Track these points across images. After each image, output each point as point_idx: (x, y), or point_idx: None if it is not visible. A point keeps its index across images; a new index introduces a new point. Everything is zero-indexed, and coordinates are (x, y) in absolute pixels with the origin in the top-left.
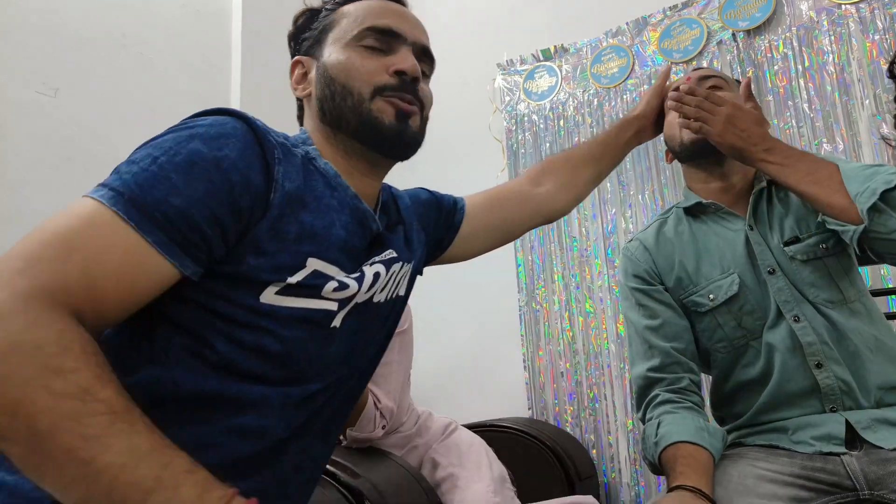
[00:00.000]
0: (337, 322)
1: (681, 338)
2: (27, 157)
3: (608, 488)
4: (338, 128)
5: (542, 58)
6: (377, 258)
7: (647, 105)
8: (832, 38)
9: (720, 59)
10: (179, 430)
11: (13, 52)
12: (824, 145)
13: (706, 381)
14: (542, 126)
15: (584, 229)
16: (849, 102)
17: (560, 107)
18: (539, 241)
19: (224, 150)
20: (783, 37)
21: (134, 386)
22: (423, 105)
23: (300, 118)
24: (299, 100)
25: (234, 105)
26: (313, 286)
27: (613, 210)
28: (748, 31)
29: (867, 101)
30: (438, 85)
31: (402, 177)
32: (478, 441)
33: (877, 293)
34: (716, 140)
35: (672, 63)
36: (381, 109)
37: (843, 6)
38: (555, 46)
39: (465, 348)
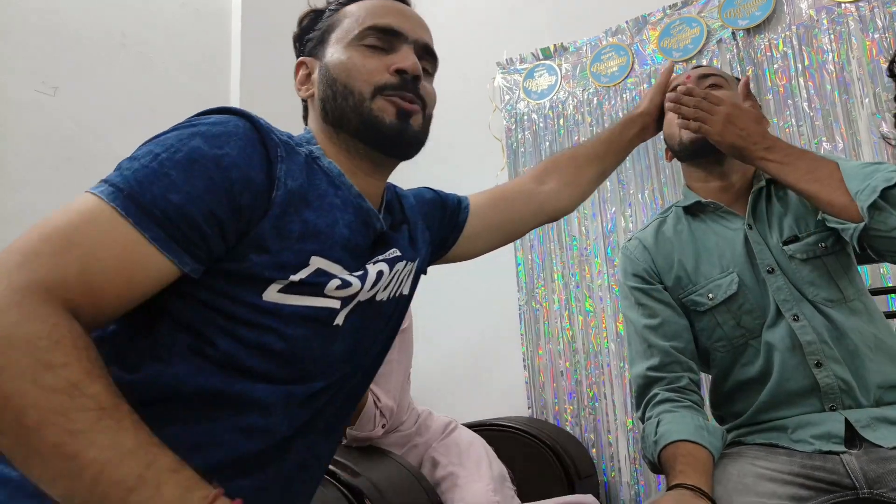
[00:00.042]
0: (340, 320)
1: (680, 337)
2: (27, 156)
3: (608, 487)
4: (340, 128)
5: (541, 56)
6: (381, 257)
7: (651, 102)
8: (832, 36)
9: (720, 58)
10: (183, 428)
11: (13, 52)
12: (824, 144)
13: (706, 380)
14: (541, 125)
15: (583, 228)
16: (848, 101)
17: (560, 105)
18: (539, 240)
19: (225, 148)
20: (783, 35)
21: (137, 382)
22: (424, 104)
23: (305, 118)
24: (304, 100)
25: (234, 104)
26: (316, 284)
27: (613, 209)
28: (748, 30)
29: (867, 100)
30: (438, 84)
31: (402, 175)
32: (478, 440)
33: (876, 292)
34: (715, 139)
35: (672, 61)
36: (381, 109)
37: (843, 5)
38: (554, 45)
39: (465, 347)
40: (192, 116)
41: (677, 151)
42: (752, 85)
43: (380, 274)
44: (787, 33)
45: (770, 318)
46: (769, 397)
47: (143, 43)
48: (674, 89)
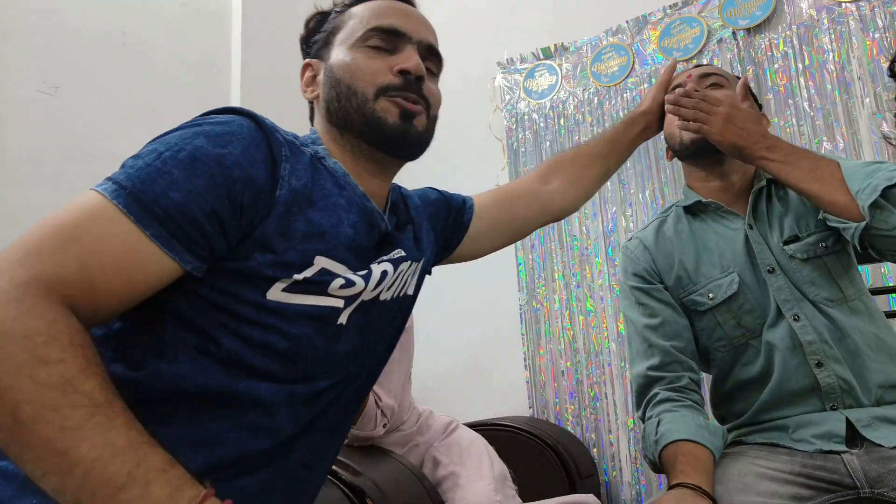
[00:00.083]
0: (343, 319)
1: (680, 336)
2: (28, 155)
3: (609, 487)
4: (344, 129)
5: (542, 56)
6: (385, 257)
7: (653, 101)
8: (832, 36)
9: (720, 58)
10: (187, 426)
11: (13, 51)
12: (824, 144)
13: (706, 379)
14: (542, 125)
15: (584, 228)
16: (849, 101)
17: (560, 105)
18: (539, 240)
19: (228, 147)
20: (783, 35)
21: (141, 380)
22: (429, 104)
23: (312, 120)
24: (310, 102)
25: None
26: (320, 283)
27: (614, 209)
28: (748, 30)
29: (867, 100)
30: (439, 84)
31: (402, 175)
32: (479, 439)
33: (877, 291)
34: (716, 139)
35: (675, 60)
36: (385, 109)
37: (844, 4)
38: (555, 45)
39: (466, 347)
40: (198, 116)
41: (678, 151)
42: (752, 85)
43: (384, 274)
44: (788, 33)
45: (771, 318)
46: (770, 397)
47: (144, 42)
48: (674, 89)
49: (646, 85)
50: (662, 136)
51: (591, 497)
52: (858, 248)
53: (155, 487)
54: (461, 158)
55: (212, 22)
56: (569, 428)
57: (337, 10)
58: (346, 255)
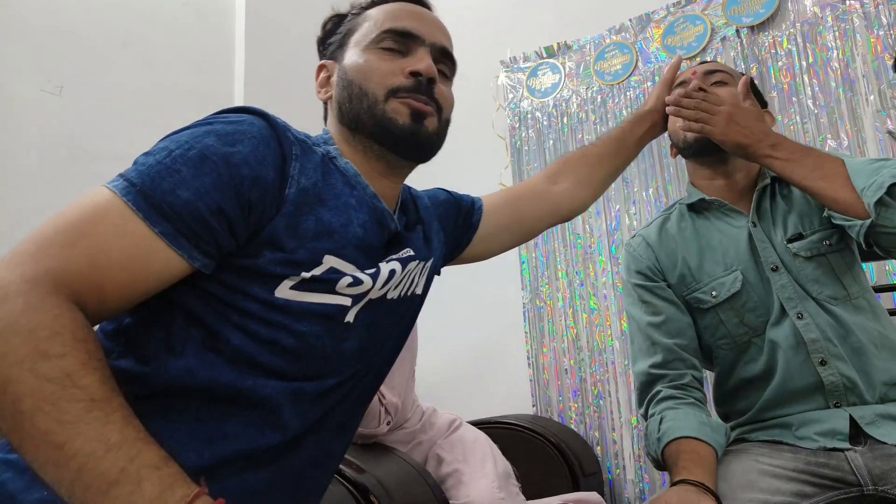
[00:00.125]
0: (350, 317)
1: (683, 334)
2: (32, 155)
3: (612, 485)
4: (356, 129)
5: (545, 55)
6: (394, 256)
7: (657, 100)
8: (836, 33)
9: (724, 56)
10: (194, 421)
11: (17, 51)
12: (829, 141)
13: (709, 377)
14: (545, 123)
15: (587, 226)
16: (853, 98)
17: (563, 104)
18: (543, 238)
19: (237, 146)
20: (787, 33)
21: (150, 375)
22: (440, 107)
23: (325, 120)
24: (324, 103)
25: (237, 104)
26: (328, 281)
27: (617, 207)
28: (752, 28)
29: (872, 97)
30: None
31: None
32: (482, 437)
33: (881, 289)
34: (719, 139)
35: (680, 57)
36: (395, 110)
37: (848, 1)
38: (558, 43)
39: (470, 345)
40: (211, 114)
41: (682, 149)
42: (756, 83)
43: (392, 272)
44: (792, 30)
45: (774, 316)
46: (773, 395)
47: (146, 42)
48: (680, 84)
49: (649, 83)
50: (667, 134)
51: (594, 495)
52: (864, 246)
53: (146, 484)
54: (464, 157)
55: (214, 21)
56: (572, 426)
57: (353, 12)
58: (355, 255)
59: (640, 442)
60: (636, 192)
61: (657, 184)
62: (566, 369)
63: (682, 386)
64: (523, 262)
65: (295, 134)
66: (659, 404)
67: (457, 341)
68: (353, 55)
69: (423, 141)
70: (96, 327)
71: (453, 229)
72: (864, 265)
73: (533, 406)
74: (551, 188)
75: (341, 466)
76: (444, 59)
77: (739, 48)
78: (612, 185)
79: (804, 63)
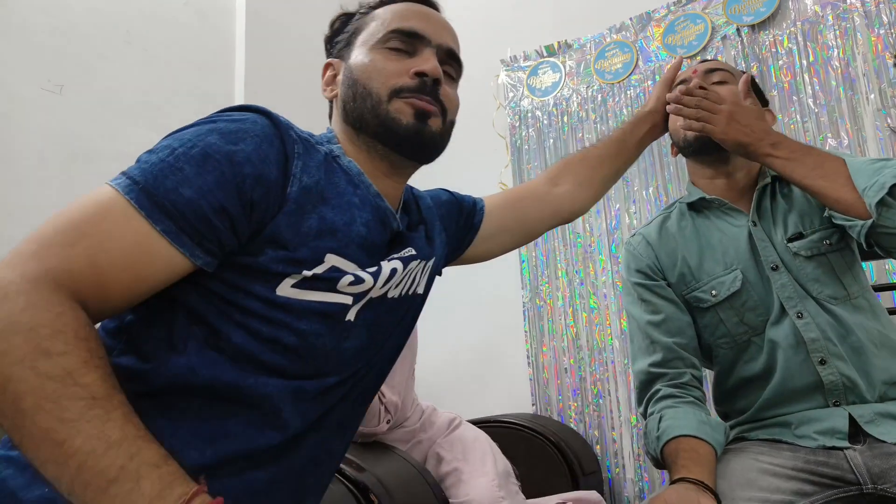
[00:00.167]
0: (351, 316)
1: (683, 333)
2: (33, 153)
3: (612, 484)
4: (360, 129)
5: (545, 54)
6: (396, 255)
7: (658, 100)
8: (837, 32)
9: (724, 55)
10: (196, 419)
11: (18, 49)
12: (829, 140)
13: (708, 376)
14: (545, 122)
15: (587, 225)
16: (854, 97)
17: (564, 103)
18: (543, 237)
19: (240, 144)
20: (788, 31)
21: (151, 372)
22: (444, 108)
23: (330, 118)
24: (330, 101)
25: (238, 103)
26: (329, 279)
27: (617, 206)
28: (752, 26)
29: (872, 96)
30: None
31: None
32: (482, 436)
33: (881, 288)
34: (720, 138)
35: (681, 58)
36: (399, 110)
37: (848, 0)
38: (558, 42)
39: (469, 344)
40: (215, 113)
41: (682, 148)
42: (757, 81)
43: (393, 271)
44: (792, 29)
45: (774, 316)
46: (772, 394)
47: (147, 41)
48: (681, 82)
49: (650, 82)
50: (667, 133)
51: (594, 494)
52: (864, 246)
53: (145, 482)
54: (464, 156)
55: (215, 21)
56: (572, 425)
57: (361, 11)
58: (358, 253)
59: (639, 441)
60: (636, 191)
61: (657, 183)
62: (566, 368)
63: (681, 385)
64: (523, 261)
65: (298, 132)
66: (658, 403)
67: (457, 340)
68: (359, 54)
69: (427, 141)
70: (98, 325)
71: (455, 230)
72: (863, 264)
73: (532, 405)
74: (552, 190)
75: (341, 465)
76: (451, 60)
77: (740, 47)
78: None
79: (805, 62)
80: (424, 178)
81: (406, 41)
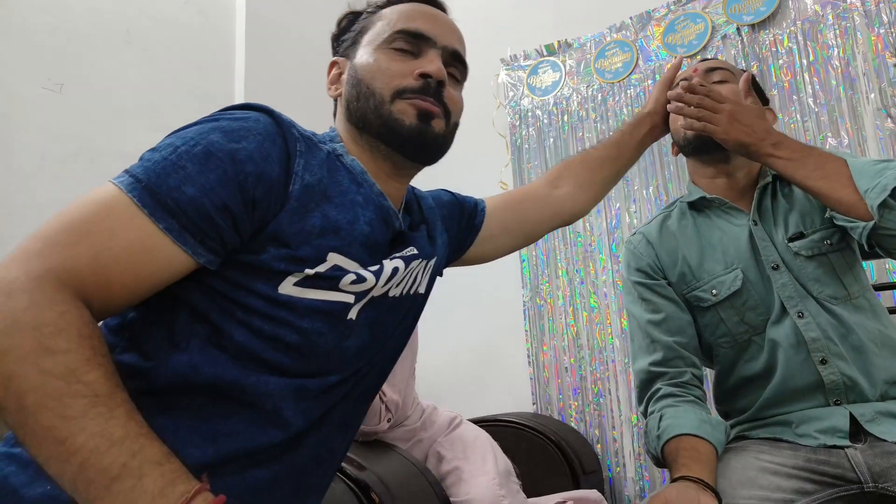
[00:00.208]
0: (353, 314)
1: (683, 332)
2: (33, 153)
3: (613, 483)
4: (363, 129)
5: (545, 53)
6: (398, 254)
7: (657, 101)
8: (837, 32)
9: (724, 54)
10: (198, 418)
11: (18, 48)
12: (829, 140)
13: (709, 375)
14: (545, 121)
15: (588, 224)
16: (854, 97)
17: (564, 102)
18: (543, 236)
19: (242, 142)
20: (788, 31)
21: (153, 370)
22: (448, 110)
23: (335, 117)
24: (335, 100)
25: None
26: (331, 278)
27: (618, 205)
28: (753, 26)
29: (872, 95)
30: None
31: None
32: (483, 435)
33: (881, 287)
34: (721, 138)
35: (682, 57)
36: (402, 111)
37: (849, 0)
38: (558, 41)
39: (470, 344)
40: (217, 111)
41: (682, 147)
42: (757, 80)
43: (395, 270)
44: (793, 29)
45: (775, 315)
46: (773, 394)
47: (147, 40)
48: (677, 85)
49: (650, 81)
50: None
51: (594, 493)
52: (866, 247)
53: (148, 480)
54: (464, 155)
55: (216, 20)
56: (572, 424)
57: (369, 10)
58: (360, 252)
59: (640, 440)
60: (636, 191)
61: (657, 182)
62: (566, 367)
63: (681, 384)
64: (523, 261)
65: (300, 130)
66: (658, 402)
67: (457, 339)
68: (364, 54)
69: (430, 142)
70: (100, 323)
71: (457, 230)
72: (864, 263)
73: (533, 404)
74: (552, 192)
75: (342, 463)
76: (456, 62)
77: (740, 46)
78: None
79: (805, 61)
80: (425, 178)
81: (411, 42)
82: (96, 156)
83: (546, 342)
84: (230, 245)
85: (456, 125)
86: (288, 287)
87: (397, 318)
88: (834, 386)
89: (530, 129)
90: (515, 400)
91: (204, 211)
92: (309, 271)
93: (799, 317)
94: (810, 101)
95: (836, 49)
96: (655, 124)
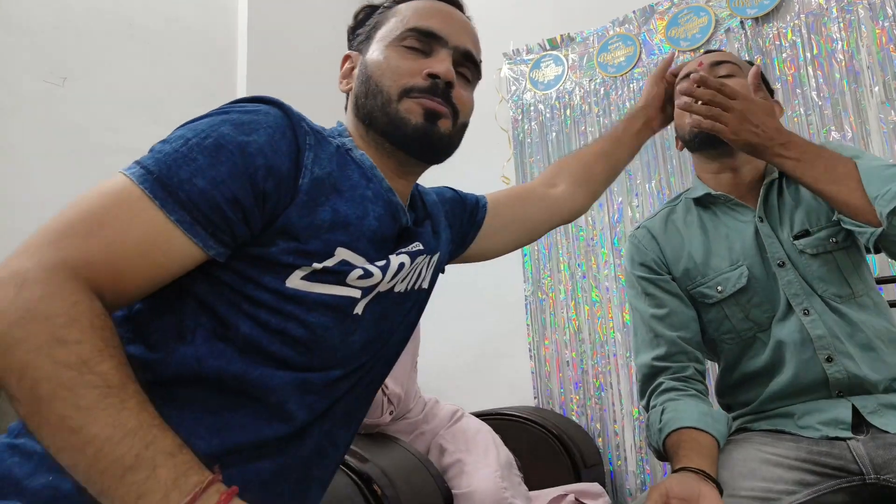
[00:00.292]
0: (359, 309)
1: (687, 327)
2: (35, 146)
3: (614, 476)
4: (369, 125)
5: (548, 47)
6: (404, 249)
7: (648, 94)
8: (841, 25)
9: (728, 48)
10: (202, 410)
11: (21, 42)
12: (833, 133)
13: (712, 369)
14: (548, 115)
15: (590, 219)
16: (858, 90)
17: (566, 96)
18: (544, 235)
19: (252, 135)
20: (792, 24)
21: (158, 362)
22: (456, 110)
23: (346, 111)
24: (346, 94)
25: (241, 95)
26: (339, 272)
27: (620, 199)
28: (756, 19)
29: (876, 89)
30: None
31: None
32: (485, 428)
33: (884, 280)
34: (730, 138)
35: (680, 51)
36: (409, 110)
37: None
38: (561, 35)
39: (472, 338)
40: (227, 104)
41: (687, 141)
42: (762, 72)
43: (401, 265)
44: (797, 22)
45: (780, 313)
46: (778, 388)
47: (150, 33)
48: (687, 76)
49: None
50: (669, 126)
51: (596, 486)
52: (872, 251)
53: (161, 471)
54: (467, 149)
55: (218, 15)
56: (574, 418)
57: (385, 5)
58: (367, 248)
59: (641, 434)
60: (639, 185)
61: (660, 176)
62: (568, 361)
63: (684, 378)
64: (525, 255)
65: (309, 124)
66: (661, 396)
67: (459, 334)
68: (375, 50)
69: (435, 141)
70: None
71: (459, 226)
72: (868, 257)
73: (534, 398)
74: (549, 191)
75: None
76: (467, 62)
77: (744, 39)
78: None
79: (808, 55)
80: (427, 171)
81: (423, 41)
82: (98, 150)
83: (548, 336)
84: (240, 238)
85: (465, 125)
86: (295, 281)
87: (402, 313)
88: (839, 384)
89: (533, 124)
90: (517, 394)
91: (215, 203)
92: (317, 265)
93: (805, 314)
94: (814, 94)
95: (840, 42)
96: (650, 117)
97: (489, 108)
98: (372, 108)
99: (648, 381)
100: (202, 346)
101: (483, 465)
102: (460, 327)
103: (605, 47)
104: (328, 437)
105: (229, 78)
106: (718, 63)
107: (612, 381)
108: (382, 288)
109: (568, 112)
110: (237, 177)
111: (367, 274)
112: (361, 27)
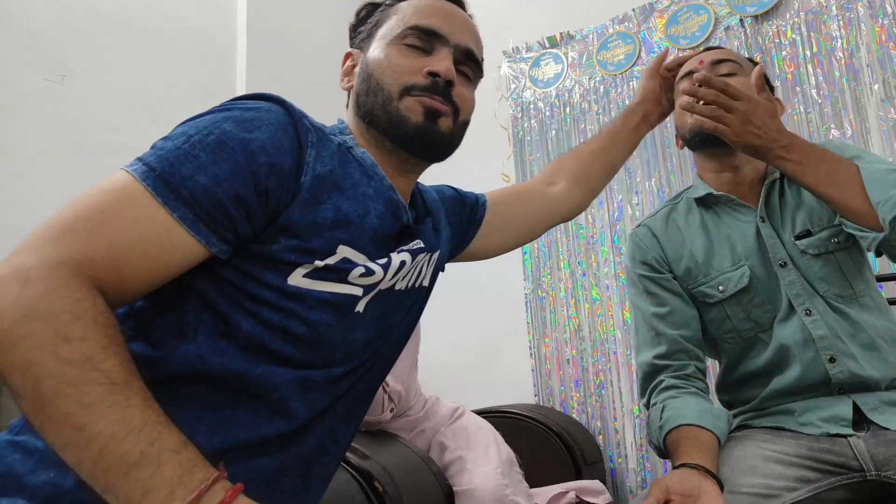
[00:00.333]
0: (361, 307)
1: (688, 326)
2: (35, 144)
3: (614, 474)
4: (370, 123)
5: (547, 45)
6: (405, 247)
7: (644, 90)
8: (841, 23)
9: (727, 45)
10: (204, 407)
11: (21, 40)
12: (832, 131)
13: (713, 367)
14: (547, 113)
15: (590, 216)
16: (857, 88)
17: (566, 94)
18: (544, 233)
19: (255, 132)
20: (791, 22)
21: (160, 359)
22: (457, 108)
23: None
24: (347, 92)
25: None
26: (341, 270)
27: (620, 197)
28: (756, 17)
29: (876, 87)
30: None
31: None
32: (486, 425)
33: (884, 278)
34: (732, 140)
35: (679, 49)
36: (409, 108)
37: None
38: (561, 33)
39: (472, 336)
40: (229, 101)
41: (688, 140)
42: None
43: (402, 263)
44: (796, 20)
45: (782, 313)
46: (779, 386)
47: (150, 33)
48: (688, 74)
49: None
50: (668, 124)
51: (596, 483)
52: (874, 255)
53: (166, 468)
54: (466, 147)
55: (217, 13)
56: (574, 415)
57: (387, 3)
58: (369, 245)
59: (641, 431)
60: (639, 183)
61: (660, 174)
62: (568, 359)
63: (685, 376)
64: (525, 253)
65: (311, 122)
66: (661, 394)
67: (459, 332)
68: (376, 48)
69: (435, 140)
70: None
71: (459, 224)
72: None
73: (535, 396)
74: (548, 190)
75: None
76: (469, 61)
77: (743, 38)
78: (615, 175)
79: (808, 52)
80: (427, 169)
81: (423, 39)
82: (98, 149)
83: (548, 334)
84: (243, 235)
85: (465, 123)
86: (297, 278)
87: (403, 310)
88: (841, 385)
89: (532, 122)
90: (517, 391)
91: (217, 201)
92: (319, 263)
93: (806, 315)
94: (814, 92)
95: (839, 40)
96: (647, 113)
97: (489, 106)
98: (373, 106)
99: (649, 379)
100: (204, 343)
101: (484, 462)
102: (461, 325)
103: (604, 45)
104: (330, 435)
105: (229, 77)
106: (719, 61)
107: (613, 378)
108: (384, 286)
109: (567, 110)
110: (239, 174)
111: (369, 272)
112: (363, 25)
